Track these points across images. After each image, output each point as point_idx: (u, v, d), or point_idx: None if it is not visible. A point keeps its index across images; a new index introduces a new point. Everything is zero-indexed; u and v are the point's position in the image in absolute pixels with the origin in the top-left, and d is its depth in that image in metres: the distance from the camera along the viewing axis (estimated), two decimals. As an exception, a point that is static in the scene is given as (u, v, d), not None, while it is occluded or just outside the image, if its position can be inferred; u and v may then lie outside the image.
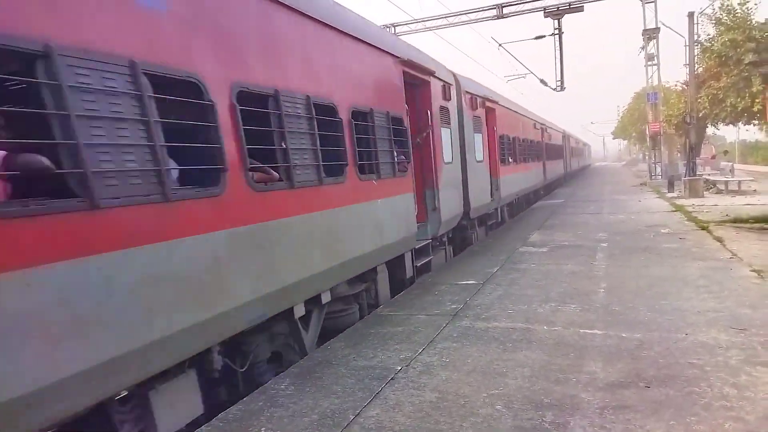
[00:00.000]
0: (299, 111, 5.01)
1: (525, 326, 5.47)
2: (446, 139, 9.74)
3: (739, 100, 20.54)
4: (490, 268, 8.51)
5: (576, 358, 4.52)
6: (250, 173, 4.33)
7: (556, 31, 23.25)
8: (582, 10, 22.28)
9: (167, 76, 3.57)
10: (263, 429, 3.66)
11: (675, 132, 32.42)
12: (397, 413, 3.75)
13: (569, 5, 22.39)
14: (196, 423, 3.92)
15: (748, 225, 11.16)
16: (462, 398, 3.90)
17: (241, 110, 4.19)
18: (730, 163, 27.05)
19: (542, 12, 22.67)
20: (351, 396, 4.11)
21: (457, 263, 9.42)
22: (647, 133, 33.24)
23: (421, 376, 4.41)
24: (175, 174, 3.74)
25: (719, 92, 21.40)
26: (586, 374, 4.15)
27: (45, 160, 2.88)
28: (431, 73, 9.07)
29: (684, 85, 27.70)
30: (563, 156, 33.41)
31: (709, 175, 23.57)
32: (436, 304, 6.65)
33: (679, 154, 35.12)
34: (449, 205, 9.57)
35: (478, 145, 11.92)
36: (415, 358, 4.81)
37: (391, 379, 4.39)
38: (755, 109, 20.12)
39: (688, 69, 21.54)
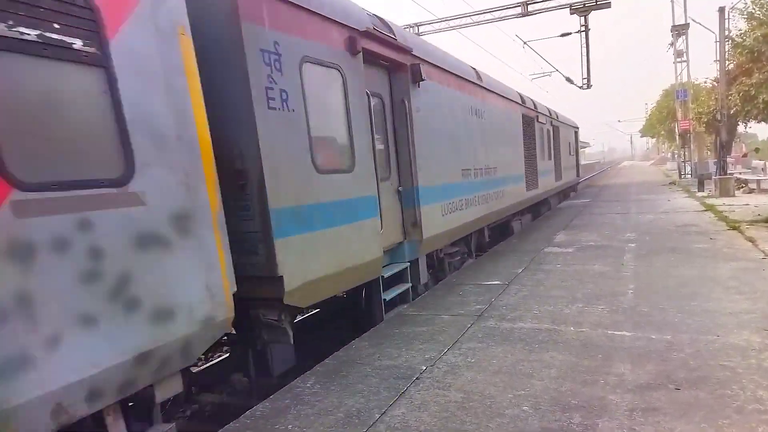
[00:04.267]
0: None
1: (551, 327, 5.42)
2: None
3: (771, 96, 20.00)
4: (515, 269, 8.45)
5: (604, 359, 4.46)
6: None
7: (583, 28, 22.95)
8: (609, 6, 21.95)
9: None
10: (290, 426, 3.70)
11: (705, 130, 31.79)
12: (423, 413, 3.75)
13: (596, 1, 22.07)
14: (223, 421, 3.98)
15: (781, 225, 10.87)
16: (488, 399, 3.89)
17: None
18: (763, 162, 26.37)
19: (568, 9, 22.39)
20: (376, 395, 4.13)
21: (482, 264, 9.37)
22: (676, 131, 32.62)
23: (446, 376, 4.41)
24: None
25: (751, 89, 20.87)
26: (615, 376, 4.10)
27: None
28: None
29: (714, 82, 27.12)
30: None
31: (740, 173, 23.02)
32: (460, 305, 6.63)
33: (709, 153, 34.40)
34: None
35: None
36: (440, 358, 4.81)
37: (416, 378, 4.39)
38: (789, 106, 19.58)
39: (718, 65, 21.08)
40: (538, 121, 15.26)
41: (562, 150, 20.02)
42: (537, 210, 16.82)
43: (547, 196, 17.31)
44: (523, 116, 13.52)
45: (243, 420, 3.87)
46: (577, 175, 25.56)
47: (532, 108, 14.70)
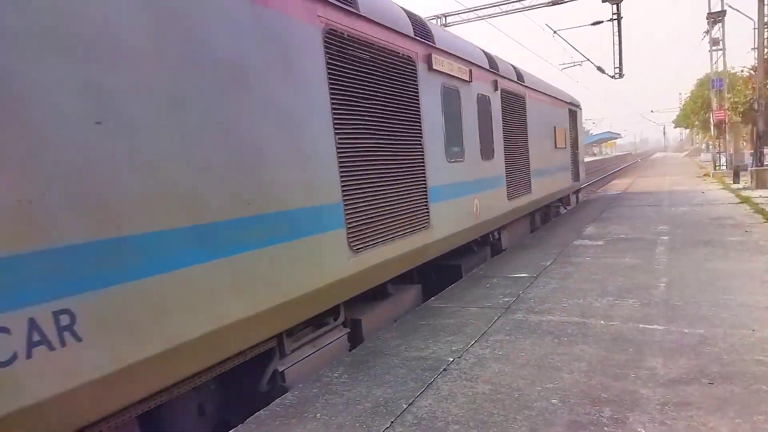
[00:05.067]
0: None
1: (581, 320, 5.36)
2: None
3: (813, 85, 19.35)
4: (543, 261, 8.37)
5: (635, 353, 4.40)
6: None
7: (615, 16, 22.46)
8: (641, -6, 21.41)
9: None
10: (318, 415, 3.75)
11: (741, 120, 30.93)
12: (450, 404, 3.76)
13: (628, -11, 21.56)
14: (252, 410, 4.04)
15: (822, 217, 10.52)
16: (516, 391, 3.87)
17: None
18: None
19: (599, -3, 21.94)
20: (403, 386, 4.14)
21: (509, 256, 9.30)
22: (711, 121, 31.79)
23: (473, 368, 4.40)
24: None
25: (791, 77, 20.22)
26: (646, 370, 4.04)
27: None
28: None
29: (752, 71, 26.32)
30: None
31: (778, 164, 22.31)
32: (487, 297, 6.60)
33: (745, 143, 33.46)
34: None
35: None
36: (467, 350, 4.80)
37: (443, 370, 4.40)
38: (831, 94, 18.91)
39: (756, 53, 20.42)
40: (431, 68, 6.91)
41: (535, 141, 11.69)
42: (432, 277, 7.97)
43: (479, 235, 8.67)
44: (338, 51, 5.13)
45: (273, 408, 3.93)
46: (576, 179, 16.76)
47: (408, 33, 6.43)
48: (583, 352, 4.52)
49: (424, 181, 6.71)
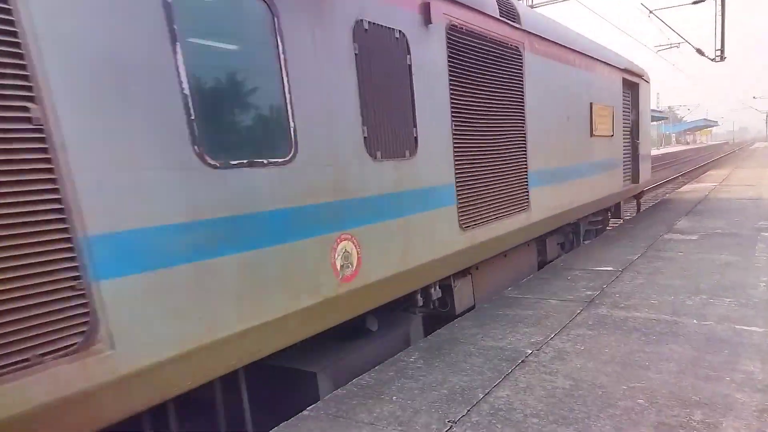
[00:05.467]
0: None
1: (671, 318, 5.09)
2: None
3: None
4: (629, 255, 7.99)
5: (730, 355, 4.12)
6: None
7: (718, -6, 20.89)
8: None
9: None
10: (394, 398, 3.79)
11: None
12: (528, 396, 3.68)
13: (733, -35, 19.97)
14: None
15: None
16: (599, 388, 3.74)
17: None
18: None
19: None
20: (480, 375, 4.11)
21: (591, 249, 8.95)
22: (824, 108, 29.07)
23: (553, 361, 4.29)
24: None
25: None
26: (742, 373, 3.78)
27: None
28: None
29: None
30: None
31: None
32: (568, 290, 6.39)
33: None
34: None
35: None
36: (546, 343, 4.68)
37: (521, 361, 4.31)
38: None
39: None
40: None
41: (544, 124, 7.32)
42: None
43: (349, 317, 4.13)
44: None
45: (350, 387, 4.02)
46: (633, 180, 12.47)
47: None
48: (673, 351, 4.29)
49: (61, 229, 2.40)
